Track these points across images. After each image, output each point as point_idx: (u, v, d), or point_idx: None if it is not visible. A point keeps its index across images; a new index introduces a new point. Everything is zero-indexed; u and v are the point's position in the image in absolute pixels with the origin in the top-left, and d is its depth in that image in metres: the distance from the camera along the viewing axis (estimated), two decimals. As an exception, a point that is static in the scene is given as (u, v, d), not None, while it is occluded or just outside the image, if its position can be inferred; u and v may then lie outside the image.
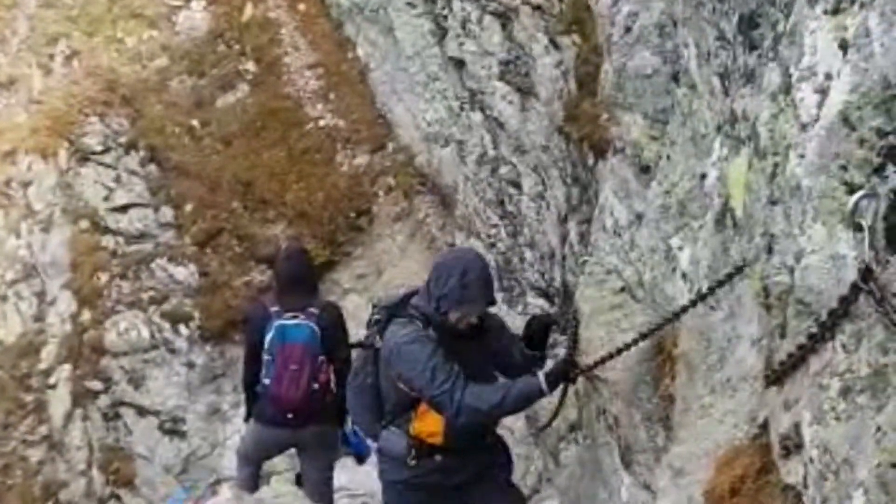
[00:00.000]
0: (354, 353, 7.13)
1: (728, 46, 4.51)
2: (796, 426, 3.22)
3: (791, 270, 3.18)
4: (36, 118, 14.76)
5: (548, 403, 6.46)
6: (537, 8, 10.53)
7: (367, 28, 14.49)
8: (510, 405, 5.66)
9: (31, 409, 13.24)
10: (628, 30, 6.24)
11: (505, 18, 11.03)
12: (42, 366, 13.38)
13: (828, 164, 2.98)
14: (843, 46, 2.99)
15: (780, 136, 3.27)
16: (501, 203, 11.39)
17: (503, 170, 11.30)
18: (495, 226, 11.51)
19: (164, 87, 15.18)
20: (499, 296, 10.78)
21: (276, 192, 14.10)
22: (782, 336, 3.31)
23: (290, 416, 7.83)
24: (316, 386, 7.78)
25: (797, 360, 3.19)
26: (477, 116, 11.74)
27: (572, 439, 8.00)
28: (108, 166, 14.49)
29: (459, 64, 11.98)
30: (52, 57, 15.36)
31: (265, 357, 7.78)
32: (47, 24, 15.53)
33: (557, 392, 5.94)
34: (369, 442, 7.09)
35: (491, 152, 11.52)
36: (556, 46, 10.24)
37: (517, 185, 11.09)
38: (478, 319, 5.72)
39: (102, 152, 14.56)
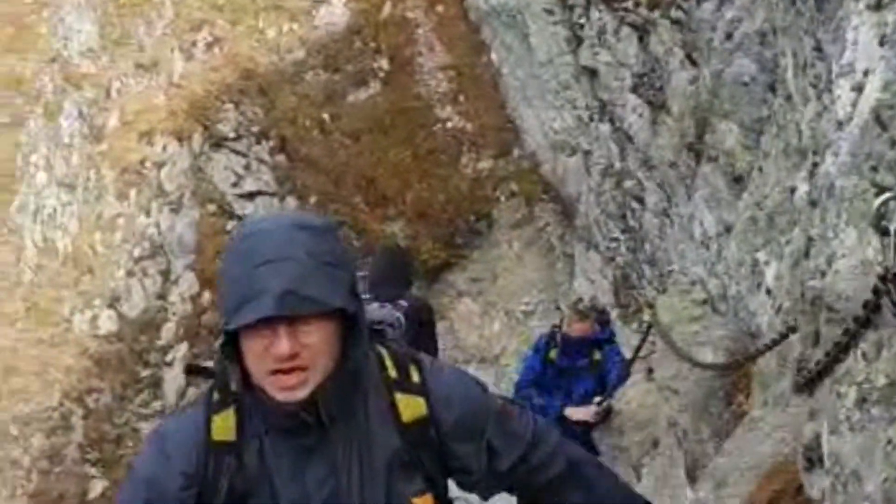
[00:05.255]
0: None
1: (824, 57, 4.36)
2: (817, 437, 3.03)
3: (823, 275, 2.97)
4: (174, 101, 15.14)
5: (637, 409, 6.32)
6: (676, 22, 10.37)
7: (503, 32, 14.47)
8: None
9: (146, 383, 13.58)
10: (729, 36, 6.08)
11: (642, 31, 10.86)
12: (161, 342, 13.71)
13: (860, 164, 2.75)
14: (883, 43, 2.76)
15: (820, 134, 3.09)
16: (623, 217, 11.24)
17: (628, 183, 11.15)
18: (615, 239, 11.37)
19: (299, 80, 15.43)
20: (615, 312, 10.64)
21: (398, 190, 14.20)
22: (815, 343, 3.11)
23: None
24: None
25: (822, 369, 2.96)
26: (605, 128, 11.62)
27: (657, 455, 7.87)
28: (239, 153, 14.79)
29: (592, 73, 11.86)
30: (194, 43, 15.74)
31: None
32: (192, 10, 15.93)
33: None
34: None
35: (617, 164, 11.38)
36: (693, 62, 10.08)
37: (641, 200, 10.93)
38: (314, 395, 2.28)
39: (235, 139, 14.87)
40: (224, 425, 2.34)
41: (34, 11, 17.13)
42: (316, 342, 2.24)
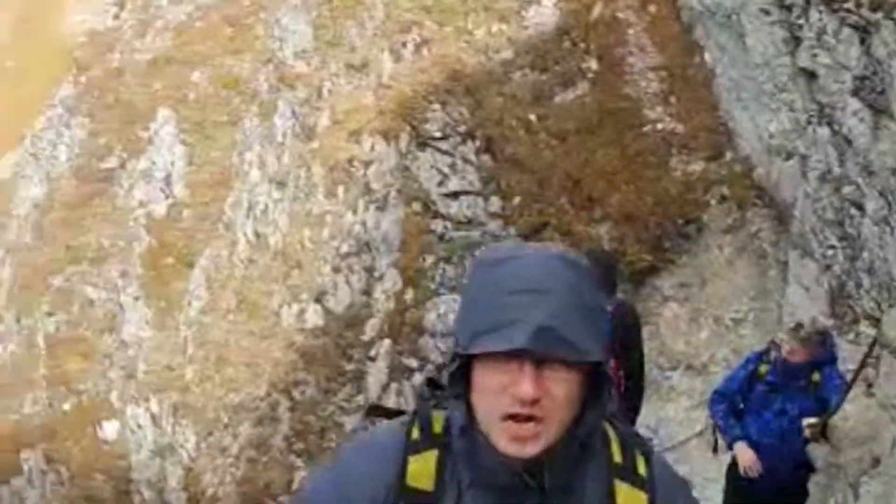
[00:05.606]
0: None
1: None
2: None
3: None
4: (383, 102, 15.39)
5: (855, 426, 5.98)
6: (902, 22, 9.87)
7: (717, 33, 14.07)
8: None
9: (350, 377, 13.83)
10: None
11: (864, 32, 10.38)
12: (364, 338, 13.94)
13: None
14: None
15: None
16: (841, 224, 10.74)
17: (847, 189, 10.66)
18: (832, 247, 10.88)
19: (507, 80, 15.41)
20: (829, 322, 10.18)
21: (605, 192, 13.96)
22: None
23: None
24: None
25: None
26: (824, 132, 11.13)
27: (876, 474, 7.42)
28: (444, 153, 14.89)
29: (810, 76, 11.41)
30: (403, 44, 15.95)
31: None
32: (402, 11, 16.15)
33: None
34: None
35: (836, 170, 10.89)
36: (920, 64, 9.57)
37: (860, 207, 10.42)
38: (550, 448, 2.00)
39: (441, 139, 14.98)
40: (422, 470, 2.00)
41: (252, 13, 17.76)
42: (560, 394, 1.93)
